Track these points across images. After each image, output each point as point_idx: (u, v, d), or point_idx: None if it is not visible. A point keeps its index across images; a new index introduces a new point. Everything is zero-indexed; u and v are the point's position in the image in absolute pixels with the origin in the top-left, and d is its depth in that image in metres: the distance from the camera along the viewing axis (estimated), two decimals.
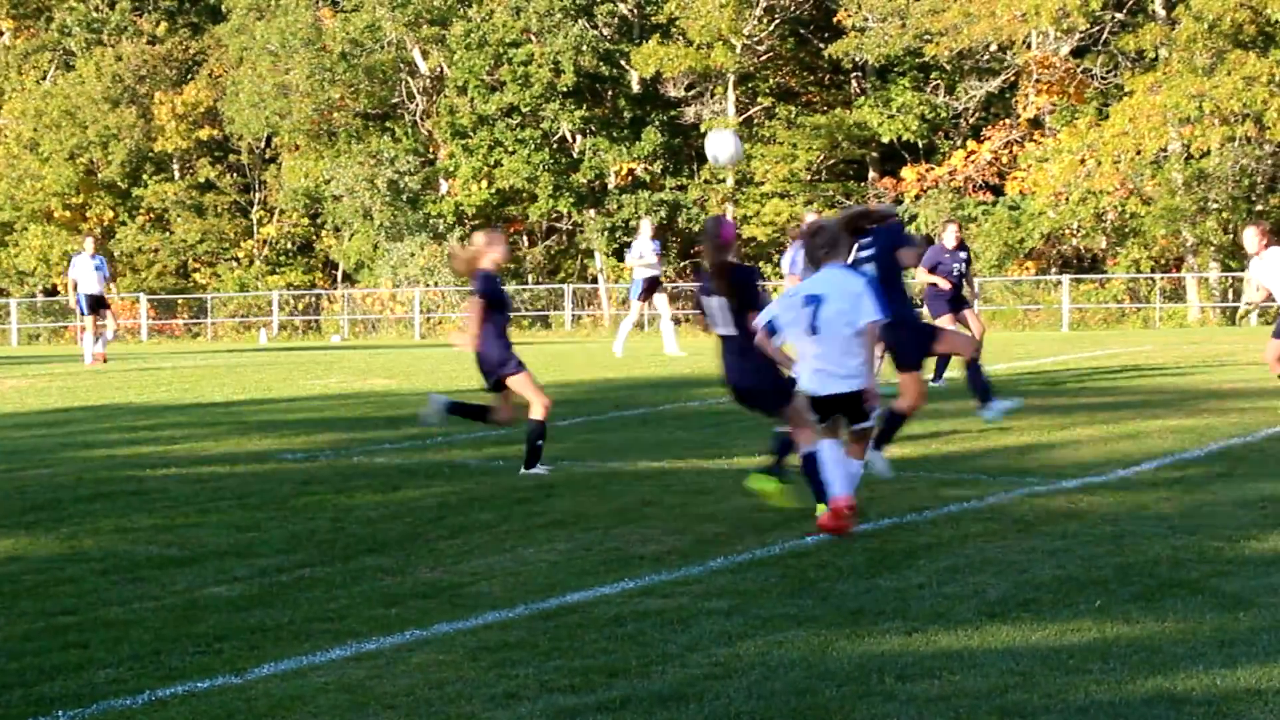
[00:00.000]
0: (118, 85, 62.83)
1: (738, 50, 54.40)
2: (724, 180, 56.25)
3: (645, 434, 16.00)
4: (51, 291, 63.53)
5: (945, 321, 19.52)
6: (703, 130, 56.39)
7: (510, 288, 56.48)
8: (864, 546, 9.54)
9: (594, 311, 56.32)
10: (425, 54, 60.21)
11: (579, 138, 57.15)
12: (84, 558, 9.76)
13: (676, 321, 33.77)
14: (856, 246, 11.81)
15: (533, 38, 56.20)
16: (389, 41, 59.23)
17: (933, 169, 53.55)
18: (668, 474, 12.91)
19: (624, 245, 57.69)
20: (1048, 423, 15.44)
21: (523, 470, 13.11)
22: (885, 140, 54.42)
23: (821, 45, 55.15)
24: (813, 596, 8.23)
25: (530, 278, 59.37)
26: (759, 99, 56.85)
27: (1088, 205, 48.26)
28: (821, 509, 10.10)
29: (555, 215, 58.49)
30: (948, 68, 53.72)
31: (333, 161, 58.76)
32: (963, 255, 20.47)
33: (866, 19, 51.84)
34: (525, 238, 61.64)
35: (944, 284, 20.12)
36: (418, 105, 60.90)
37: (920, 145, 55.02)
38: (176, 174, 64.28)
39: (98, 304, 30.12)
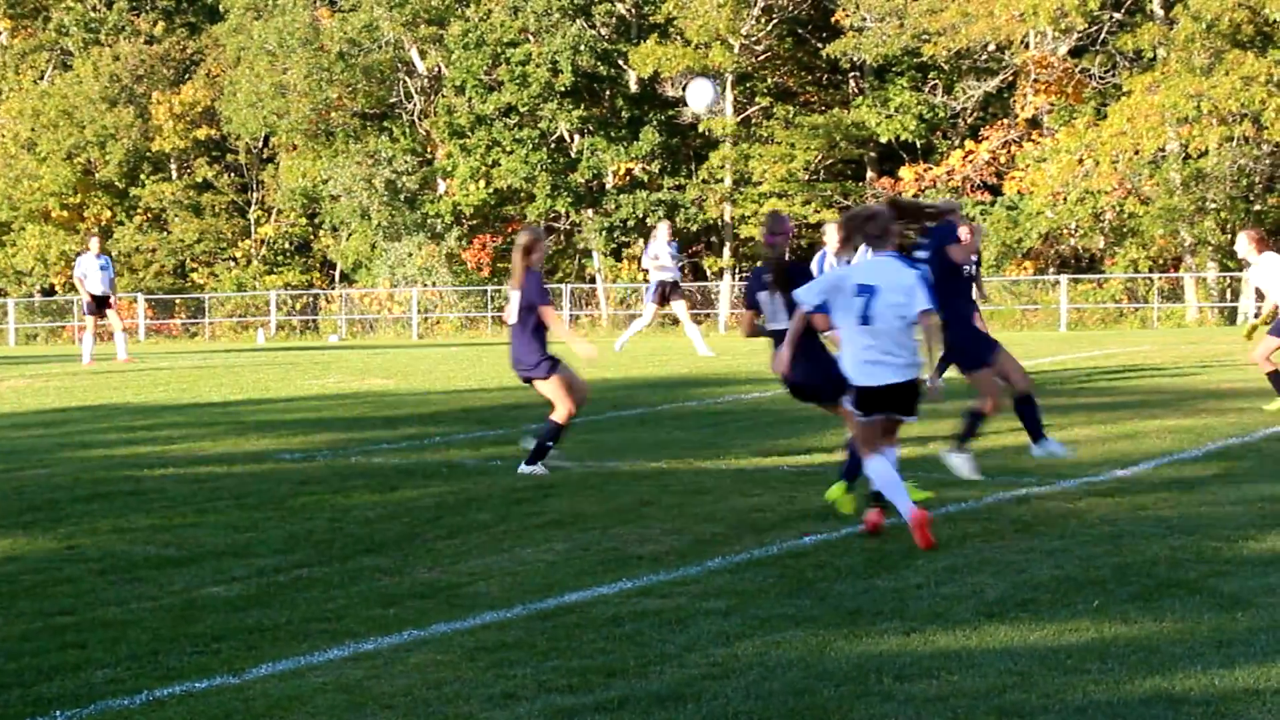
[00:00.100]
0: (115, 85, 62.80)
1: (735, 50, 54.39)
2: (722, 180, 56.24)
3: (643, 434, 16.00)
4: (49, 291, 63.50)
5: None
6: (700, 130, 56.47)
7: (508, 288, 56.51)
8: (862, 547, 9.55)
9: (592, 311, 56.31)
10: (423, 54, 60.20)
11: (577, 137, 57.15)
12: (82, 558, 9.75)
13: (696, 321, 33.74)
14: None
15: (530, 37, 56.19)
16: (387, 41, 59.22)
17: (931, 169, 53.55)
18: (665, 474, 12.91)
19: (622, 245, 57.81)
20: (1045, 423, 15.43)
21: (523, 466, 13.09)
22: (883, 140, 54.41)
23: (819, 45, 55.14)
24: (811, 597, 8.23)
25: None
26: (757, 99, 56.84)
27: (1086, 205, 48.27)
28: (837, 488, 10.52)
29: (553, 215, 58.46)
30: (946, 67, 53.71)
31: (330, 161, 58.74)
32: (974, 258, 20.06)
33: (864, 19, 51.84)
34: None
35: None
36: (415, 105, 60.88)
37: (918, 145, 55.02)
38: (174, 174, 64.26)
39: (102, 304, 29.94)
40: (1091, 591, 8.16)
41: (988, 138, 53.65)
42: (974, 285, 20.53)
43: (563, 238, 60.28)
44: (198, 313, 59.17)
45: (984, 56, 53.19)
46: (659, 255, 27.75)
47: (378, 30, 58.57)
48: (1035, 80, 51.59)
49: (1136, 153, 47.05)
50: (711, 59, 53.85)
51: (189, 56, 65.81)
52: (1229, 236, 46.03)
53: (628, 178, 57.01)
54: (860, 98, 55.75)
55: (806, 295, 9.81)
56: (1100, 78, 51.65)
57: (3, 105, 64.73)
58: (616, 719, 6.20)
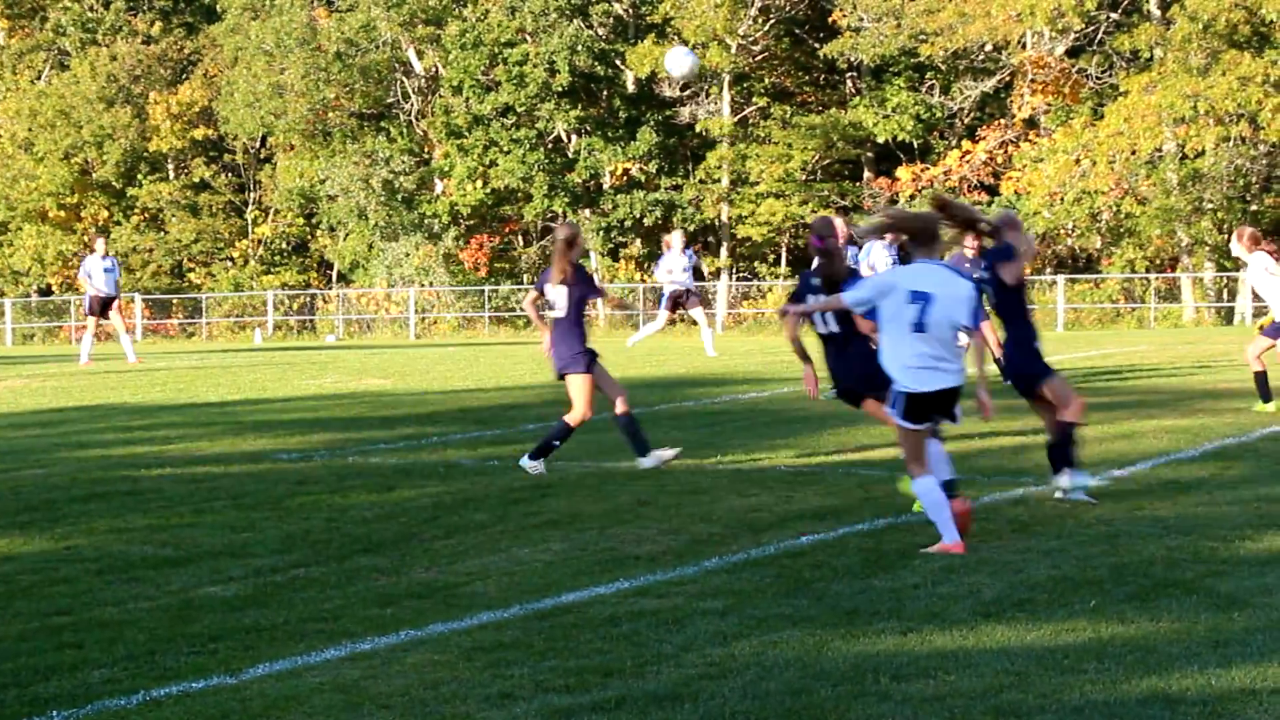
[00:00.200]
0: (112, 85, 62.79)
1: (733, 50, 54.40)
2: (719, 180, 56.25)
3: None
4: (46, 291, 63.50)
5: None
6: (698, 130, 56.47)
7: (505, 288, 56.57)
8: (859, 546, 9.55)
9: (589, 311, 56.27)
10: (420, 54, 60.21)
11: (574, 137, 57.15)
12: (79, 558, 9.75)
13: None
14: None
15: (528, 37, 56.19)
16: (384, 41, 59.22)
17: (928, 169, 53.56)
18: (663, 474, 12.91)
19: (619, 245, 57.84)
20: (1042, 423, 15.43)
21: (525, 459, 13.05)
22: (880, 140, 54.44)
23: (816, 45, 55.16)
24: (808, 596, 8.23)
25: (525, 278, 59.36)
26: (754, 99, 56.85)
27: (1083, 205, 48.29)
28: (905, 484, 10.51)
29: (550, 215, 58.46)
30: (943, 68, 53.74)
31: (327, 161, 58.74)
32: (984, 264, 19.65)
33: (861, 19, 51.85)
34: (520, 238, 61.66)
35: None
36: (413, 105, 60.88)
37: (915, 145, 55.04)
38: (171, 174, 64.24)
39: (106, 305, 29.70)
40: (1088, 591, 8.16)
41: (985, 138, 53.67)
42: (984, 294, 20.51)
43: None
44: (195, 313, 59.16)
45: (981, 57, 53.22)
46: (672, 269, 27.72)
47: (375, 30, 58.57)
48: (1032, 80, 51.62)
49: (1133, 153, 47.07)
50: (709, 59, 53.86)
51: (186, 56, 65.79)
52: (1226, 236, 46.05)
53: (625, 178, 57.01)
54: (857, 98, 55.77)
55: (855, 299, 9.67)
56: (1097, 78, 51.67)
57: (0, 105, 64.70)
58: (614, 719, 6.20)
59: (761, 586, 8.51)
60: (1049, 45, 51.78)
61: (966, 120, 55.44)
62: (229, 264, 62.91)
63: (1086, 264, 52.71)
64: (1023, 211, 50.14)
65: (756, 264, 58.35)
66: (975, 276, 10.99)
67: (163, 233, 62.85)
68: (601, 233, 56.52)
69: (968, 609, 7.83)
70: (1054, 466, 10.95)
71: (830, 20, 53.75)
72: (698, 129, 56.36)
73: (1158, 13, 49.28)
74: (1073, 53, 52.46)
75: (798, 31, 57.37)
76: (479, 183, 57.10)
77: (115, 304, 29.65)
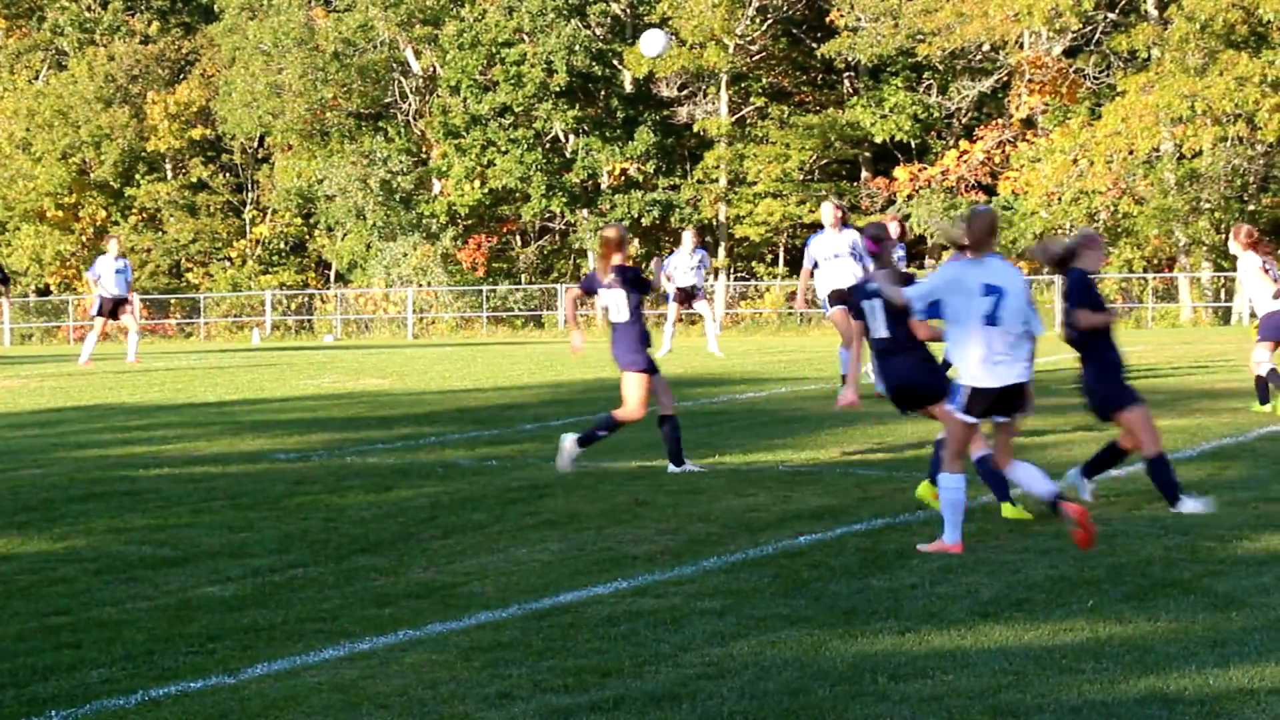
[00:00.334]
0: (110, 85, 62.78)
1: (730, 50, 54.41)
2: (717, 180, 56.26)
3: (638, 434, 15.98)
4: (44, 291, 63.47)
5: None
6: (696, 130, 56.48)
7: (503, 288, 56.56)
8: (857, 546, 9.55)
9: (587, 311, 56.30)
10: (418, 54, 60.21)
11: (572, 138, 57.15)
12: (77, 558, 9.74)
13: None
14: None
15: (525, 37, 56.19)
16: (382, 41, 59.22)
17: (925, 169, 53.58)
18: (660, 474, 12.91)
19: None
20: (1041, 423, 15.45)
21: (572, 438, 13.02)
22: (878, 140, 54.45)
23: (814, 45, 55.17)
24: (806, 596, 8.23)
25: (523, 278, 59.37)
26: (752, 99, 56.86)
27: (1080, 205, 48.30)
28: (1007, 508, 10.28)
29: (548, 215, 58.49)
30: (940, 68, 53.75)
31: (325, 161, 58.73)
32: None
33: (859, 19, 51.86)
34: (518, 238, 61.66)
35: None
36: (410, 105, 60.88)
37: (913, 145, 55.06)
38: (169, 174, 64.23)
39: (117, 307, 29.36)
40: (1086, 591, 8.17)
41: (982, 138, 53.69)
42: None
43: (557, 238, 60.29)
44: (193, 313, 59.15)
45: (978, 57, 53.24)
46: (678, 266, 27.72)
47: (373, 30, 58.57)
48: (1030, 80, 51.63)
49: (1131, 153, 47.09)
50: (706, 59, 53.89)
51: (184, 56, 65.78)
52: (1223, 236, 46.06)
53: (623, 178, 57.02)
54: (855, 98, 55.78)
55: (920, 293, 9.59)
56: (1095, 78, 51.69)
57: None
58: (612, 719, 6.20)
59: (759, 586, 8.51)
60: (1046, 45, 51.80)
61: (964, 120, 55.46)
62: (227, 264, 62.89)
63: None
64: (1020, 211, 50.20)
65: (754, 264, 58.36)
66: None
67: (160, 233, 62.84)
68: (599, 233, 56.47)
69: (965, 609, 7.83)
70: (1167, 496, 10.56)
71: (828, 20, 53.76)
72: (695, 129, 56.37)
73: (1155, 13, 49.31)
74: (1070, 53, 52.48)
75: (795, 31, 57.38)
76: (477, 183, 57.09)
77: (127, 304, 29.40)
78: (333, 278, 62.84)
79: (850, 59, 54.14)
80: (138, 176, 63.16)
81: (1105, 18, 50.85)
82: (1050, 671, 6.66)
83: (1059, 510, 9.17)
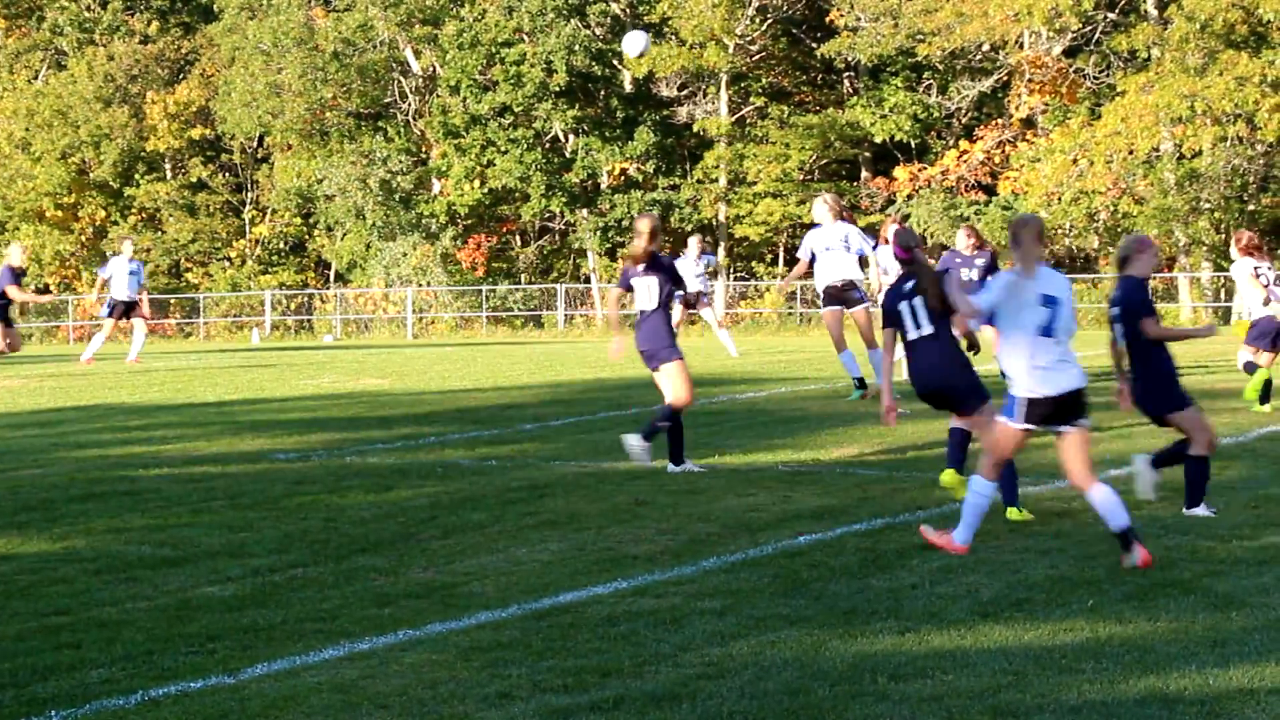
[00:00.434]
0: (110, 85, 62.77)
1: (730, 50, 54.41)
2: (717, 180, 56.27)
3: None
4: (43, 291, 63.45)
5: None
6: (695, 130, 56.48)
7: (503, 288, 56.56)
8: (856, 546, 9.55)
9: (587, 311, 56.32)
10: (418, 53, 60.21)
11: (571, 137, 57.15)
12: (77, 558, 9.74)
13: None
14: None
15: (525, 37, 56.18)
16: (381, 41, 59.21)
17: (925, 169, 53.58)
18: (660, 474, 12.91)
19: (617, 245, 57.82)
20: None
21: (635, 437, 13.04)
22: (878, 140, 54.45)
23: (814, 45, 55.17)
24: (805, 596, 8.23)
25: (523, 278, 59.37)
26: (752, 99, 56.86)
27: (1080, 205, 48.31)
28: (1012, 513, 10.32)
29: (548, 215, 58.49)
30: (940, 67, 53.76)
31: (325, 161, 58.73)
32: (979, 262, 19.39)
33: (859, 19, 51.86)
34: (518, 237, 61.66)
35: None
36: (410, 105, 60.88)
37: (913, 145, 55.06)
38: (168, 174, 64.22)
39: (128, 310, 29.10)
40: (1086, 591, 8.17)
41: (982, 138, 53.69)
42: None
43: (557, 238, 60.29)
44: (192, 313, 59.14)
45: (978, 56, 53.24)
46: (684, 272, 27.78)
47: (372, 30, 58.57)
48: (1030, 80, 51.64)
49: (1131, 153, 47.09)
50: (706, 59, 53.88)
51: (184, 56, 65.78)
52: (1223, 236, 46.10)
53: (622, 178, 57.02)
54: (855, 98, 55.79)
55: (987, 304, 9.40)
56: (1095, 78, 51.69)
57: None
58: (611, 719, 6.20)
59: (759, 586, 8.51)
60: (1046, 45, 51.80)
61: (964, 120, 55.46)
62: (226, 264, 62.89)
63: (1084, 264, 52.73)
64: (1020, 211, 50.18)
65: (754, 264, 58.36)
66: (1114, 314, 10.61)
67: (160, 233, 62.84)
68: (599, 233, 56.51)
69: (966, 609, 7.83)
70: (1190, 501, 10.55)
71: (828, 20, 53.76)
72: (695, 129, 56.37)
73: (1155, 13, 49.30)
74: (1070, 52, 52.48)
75: (795, 31, 57.38)
76: (476, 182, 57.09)
77: (138, 307, 29.23)
78: (332, 278, 62.84)
79: (850, 59, 54.14)
80: (137, 176, 63.16)
81: (1105, 17, 50.86)
82: (1050, 671, 6.66)
83: (1129, 549, 8.83)
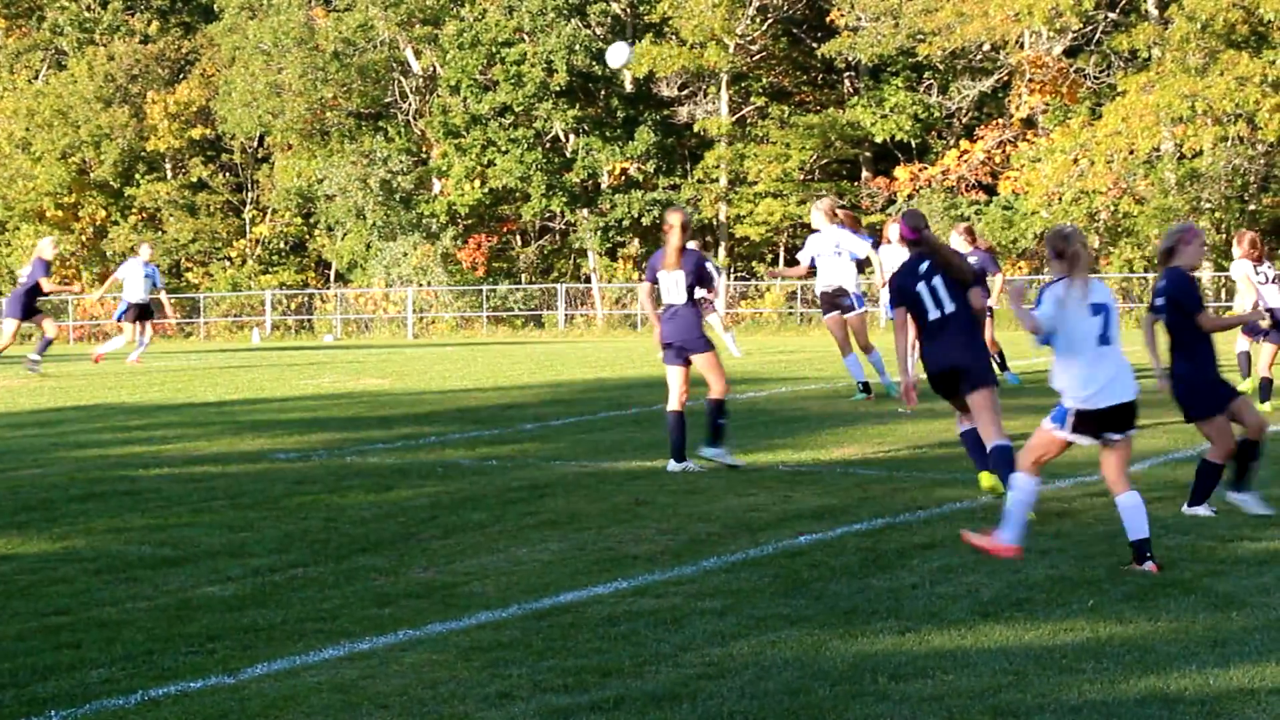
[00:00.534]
0: (110, 85, 62.79)
1: (731, 50, 54.41)
2: (717, 180, 56.27)
3: (638, 433, 16.00)
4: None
5: None
6: (696, 130, 56.49)
7: (503, 288, 56.56)
8: (857, 546, 9.54)
9: (587, 311, 56.32)
10: (418, 53, 60.21)
11: (572, 137, 57.16)
12: (77, 558, 9.74)
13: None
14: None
15: (525, 37, 56.19)
16: (381, 41, 59.22)
17: (926, 169, 53.59)
18: (661, 473, 12.91)
19: (617, 245, 57.87)
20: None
21: (704, 449, 13.11)
22: (878, 140, 54.46)
23: (814, 45, 55.19)
24: (806, 596, 8.22)
25: (523, 277, 59.37)
26: (752, 98, 56.88)
27: (1081, 205, 48.31)
28: (985, 477, 10.62)
29: (548, 215, 58.50)
30: (941, 67, 53.76)
31: (325, 161, 58.75)
32: (973, 260, 19.30)
33: (859, 19, 51.87)
34: (518, 237, 61.66)
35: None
36: (410, 105, 60.89)
37: (913, 145, 55.07)
38: (169, 173, 64.24)
39: (142, 313, 28.93)
40: (1086, 591, 8.16)
41: (983, 137, 53.70)
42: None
43: (558, 238, 60.30)
44: (193, 312, 59.14)
45: (979, 56, 53.24)
46: None
47: (373, 30, 58.58)
48: (1030, 80, 51.64)
49: (1131, 153, 47.09)
50: (706, 59, 53.89)
51: (184, 56, 65.80)
52: (1224, 236, 46.09)
53: (623, 177, 57.04)
54: (855, 97, 55.79)
55: (1046, 319, 9.14)
56: (1095, 77, 51.69)
57: None
58: (612, 719, 6.20)
59: (760, 586, 8.51)
60: (1047, 45, 51.80)
61: (964, 120, 55.47)
62: (227, 264, 62.90)
63: None
64: (1021, 211, 50.22)
65: (755, 264, 58.37)
66: (1158, 303, 10.41)
67: (160, 232, 62.85)
68: (599, 232, 56.53)
69: (966, 609, 7.83)
70: (1194, 497, 10.47)
71: (828, 20, 53.77)
72: (696, 129, 56.38)
73: (1156, 12, 49.30)
74: (1071, 52, 52.48)
75: (795, 31, 57.40)
76: (477, 182, 57.11)
77: (152, 309, 29.10)
78: (333, 277, 62.85)
79: (851, 59, 54.14)
80: (137, 176, 63.17)
81: (1106, 17, 50.86)
82: (1051, 671, 6.65)
83: (1141, 561, 8.74)
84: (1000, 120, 54.27)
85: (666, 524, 10.50)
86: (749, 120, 56.75)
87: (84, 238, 62.87)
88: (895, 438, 14.96)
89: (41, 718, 6.41)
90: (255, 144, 63.84)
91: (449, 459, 14.26)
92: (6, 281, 63.62)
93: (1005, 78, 53.73)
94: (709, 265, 14.13)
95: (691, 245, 13.48)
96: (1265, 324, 16.86)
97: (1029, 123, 53.44)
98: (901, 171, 53.73)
